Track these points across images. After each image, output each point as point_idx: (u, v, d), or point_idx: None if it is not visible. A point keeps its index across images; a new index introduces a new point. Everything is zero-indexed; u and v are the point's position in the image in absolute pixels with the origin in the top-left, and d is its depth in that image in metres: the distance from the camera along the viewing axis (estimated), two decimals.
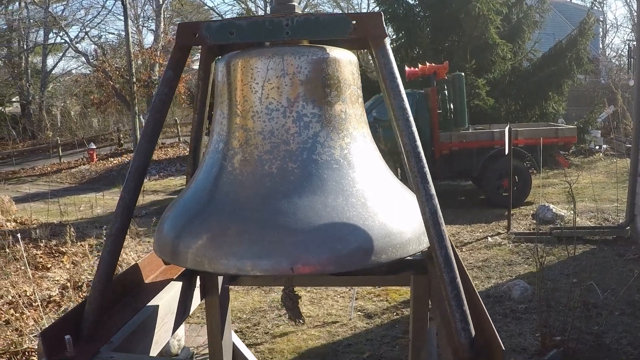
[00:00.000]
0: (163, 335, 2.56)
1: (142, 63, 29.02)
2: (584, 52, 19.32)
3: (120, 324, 2.16)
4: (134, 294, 2.43)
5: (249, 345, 6.82)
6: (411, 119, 1.89)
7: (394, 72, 1.93)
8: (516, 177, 12.93)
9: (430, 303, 2.88)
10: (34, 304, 8.42)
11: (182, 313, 2.78)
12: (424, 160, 1.85)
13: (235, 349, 3.52)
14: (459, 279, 1.81)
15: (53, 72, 37.86)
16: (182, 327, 2.86)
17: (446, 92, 14.20)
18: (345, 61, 2.05)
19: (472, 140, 13.92)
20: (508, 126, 11.39)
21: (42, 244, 12.19)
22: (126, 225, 1.99)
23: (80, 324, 1.95)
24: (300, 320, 2.30)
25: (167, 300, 2.56)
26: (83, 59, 32.43)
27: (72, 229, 11.35)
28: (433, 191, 1.82)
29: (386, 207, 1.90)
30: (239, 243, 1.74)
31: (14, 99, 37.77)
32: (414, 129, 1.88)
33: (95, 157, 26.04)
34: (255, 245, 1.72)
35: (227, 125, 2.01)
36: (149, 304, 2.45)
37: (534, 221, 11.64)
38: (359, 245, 1.76)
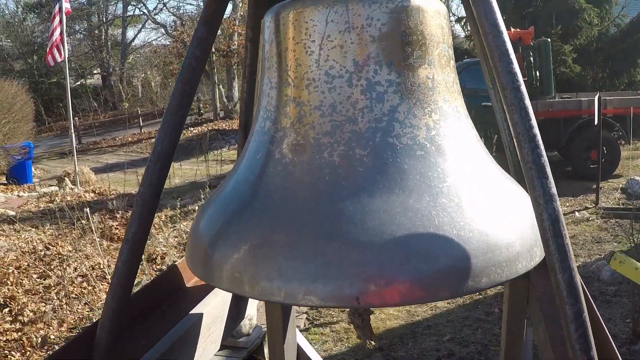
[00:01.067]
0: (208, 347, 2.16)
1: (220, 33, 28.94)
2: None
3: (154, 341, 1.78)
4: (171, 301, 2.04)
5: (323, 325, 6.48)
6: (523, 88, 1.36)
7: (498, 25, 1.38)
8: (604, 149, 12.10)
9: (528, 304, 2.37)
10: (107, 276, 8.36)
11: (235, 319, 2.38)
12: (542, 147, 1.32)
13: (300, 351, 3.11)
14: (586, 313, 1.30)
15: (133, 43, 38.60)
16: (253, 305, 2.58)
17: (532, 58, 13.61)
18: (431, 11, 1.50)
19: (559, 109, 13.22)
20: (598, 95, 10.70)
21: (118, 215, 12.24)
22: (147, 228, 1.57)
23: (90, 352, 1.55)
24: (371, 341, 1.84)
25: (213, 305, 2.16)
26: (162, 30, 32.75)
27: None
28: (554, 190, 1.30)
29: (489, 209, 1.38)
30: (285, 259, 1.29)
31: (95, 72, 38.69)
32: (527, 102, 1.35)
33: None
34: (307, 263, 1.26)
35: (275, 97, 1.53)
36: (192, 311, 2.06)
37: (623, 195, 11.09)
38: (452, 265, 1.25)
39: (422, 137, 1.42)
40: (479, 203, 1.38)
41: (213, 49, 25.70)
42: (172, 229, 10.88)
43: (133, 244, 1.55)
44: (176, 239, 10.28)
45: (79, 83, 35.25)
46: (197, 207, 11.20)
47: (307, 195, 1.39)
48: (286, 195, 1.42)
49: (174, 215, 11.41)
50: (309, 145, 1.43)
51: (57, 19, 15.53)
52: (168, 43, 34.68)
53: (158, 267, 8.97)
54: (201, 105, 29.96)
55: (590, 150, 12.58)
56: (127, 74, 36.87)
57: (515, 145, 1.35)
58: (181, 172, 17.23)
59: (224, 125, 26.80)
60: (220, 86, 26.53)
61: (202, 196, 11.12)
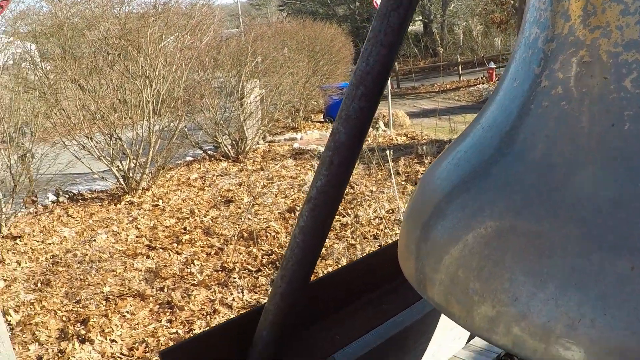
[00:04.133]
0: (447, 345, 1.89)
1: None
2: None
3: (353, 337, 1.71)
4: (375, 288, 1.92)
5: None
6: None
7: None
8: None
9: None
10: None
11: None
12: None
13: None
14: None
15: None
16: None
17: None
18: None
19: None
20: None
21: (426, 161, 11.71)
22: (342, 185, 1.40)
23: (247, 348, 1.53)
24: None
25: None
26: None
27: None
28: None
29: None
30: (556, 277, 0.84)
31: (416, 19, 38.92)
32: None
33: (494, 76, 25.11)
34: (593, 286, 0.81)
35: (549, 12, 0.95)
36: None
37: None
38: None
39: None
40: None
41: None
42: None
43: (316, 204, 1.41)
44: None
45: None
46: None
47: (598, 173, 0.88)
48: (559, 168, 0.91)
49: None
50: (606, 96, 0.87)
51: None
52: None
53: None
54: None
55: None
56: (448, 22, 36.37)
57: None
58: None
59: None
60: None
61: None
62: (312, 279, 1.58)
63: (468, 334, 1.98)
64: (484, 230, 0.95)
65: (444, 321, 1.79)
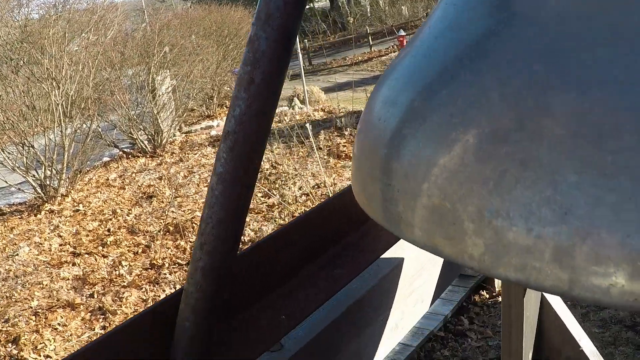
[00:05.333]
0: (410, 309, 1.50)
1: None
2: None
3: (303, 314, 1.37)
4: (348, 241, 1.50)
5: None
6: None
7: None
8: None
9: None
10: (330, 195, 7.87)
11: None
12: None
13: None
14: None
15: None
16: None
17: None
18: None
19: None
20: None
21: (346, 133, 11.83)
22: (269, 110, 1.09)
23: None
24: None
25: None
26: None
27: None
28: None
29: None
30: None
31: None
32: None
33: (404, 43, 25.39)
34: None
35: None
36: (384, 256, 1.41)
37: None
38: None
39: None
40: None
41: None
42: None
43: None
44: None
45: (308, 7, 35.73)
46: None
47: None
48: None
49: None
50: None
51: None
52: None
53: None
54: None
55: None
56: None
57: None
58: None
59: None
60: None
61: None
62: (245, 248, 1.45)
63: (432, 295, 1.78)
64: (465, 144, 0.74)
65: (403, 282, 1.56)
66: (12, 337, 5.83)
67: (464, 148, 0.72)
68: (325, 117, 13.95)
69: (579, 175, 0.62)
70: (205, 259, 1.13)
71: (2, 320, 6.26)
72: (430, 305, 1.96)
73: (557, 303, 2.25)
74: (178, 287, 6.30)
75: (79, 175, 11.04)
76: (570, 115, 0.65)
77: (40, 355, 5.49)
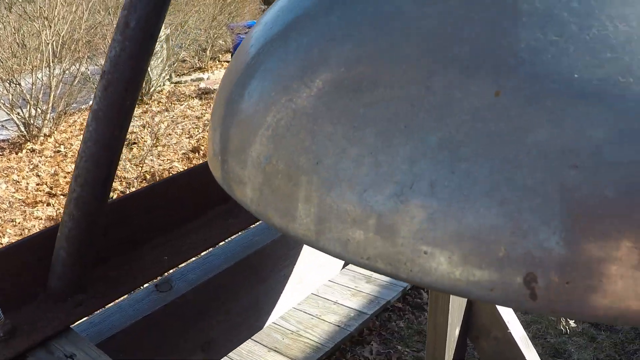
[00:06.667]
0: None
1: None
2: None
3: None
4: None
5: None
6: None
7: None
8: None
9: None
10: None
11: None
12: None
13: None
14: None
15: None
16: None
17: None
18: None
19: None
20: None
21: None
22: (144, 54, 1.13)
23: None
24: None
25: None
26: None
27: None
28: None
29: None
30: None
31: None
32: None
33: None
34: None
35: None
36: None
37: None
38: None
39: None
40: None
41: None
42: None
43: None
44: None
45: None
46: None
47: None
48: None
49: None
50: None
51: None
52: None
53: None
54: None
55: None
56: None
57: None
58: None
59: None
60: None
61: None
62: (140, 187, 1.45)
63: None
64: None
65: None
66: None
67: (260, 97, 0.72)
68: None
69: (334, 126, 0.61)
70: (78, 190, 1.22)
71: None
72: (344, 267, 1.97)
73: None
74: None
75: (63, 117, 11.00)
76: (342, 66, 0.65)
77: None
